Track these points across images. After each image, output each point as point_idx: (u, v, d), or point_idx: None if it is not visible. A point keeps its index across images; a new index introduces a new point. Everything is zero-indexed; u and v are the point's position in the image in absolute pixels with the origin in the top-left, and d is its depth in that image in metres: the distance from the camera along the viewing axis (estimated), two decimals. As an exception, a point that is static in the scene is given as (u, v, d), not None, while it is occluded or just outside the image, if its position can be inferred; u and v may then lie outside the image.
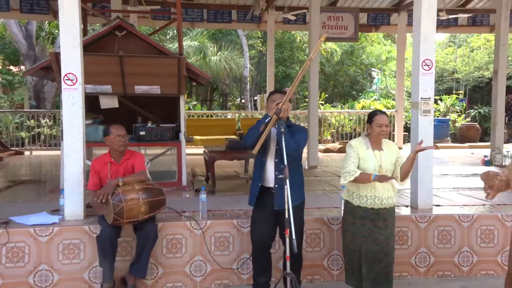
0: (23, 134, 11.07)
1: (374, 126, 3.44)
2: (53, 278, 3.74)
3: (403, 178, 3.50)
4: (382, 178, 3.30)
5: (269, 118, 3.31)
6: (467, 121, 14.32)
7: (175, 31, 16.87)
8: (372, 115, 3.48)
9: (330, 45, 19.18)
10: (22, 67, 16.28)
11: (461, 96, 16.61)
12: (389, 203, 3.45)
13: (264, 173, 3.46)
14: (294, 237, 2.96)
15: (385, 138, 3.51)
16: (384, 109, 13.97)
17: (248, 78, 18.47)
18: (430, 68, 4.47)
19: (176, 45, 14.83)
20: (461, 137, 13.11)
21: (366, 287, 3.44)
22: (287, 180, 3.11)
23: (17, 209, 4.37)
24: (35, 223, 3.81)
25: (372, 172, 3.36)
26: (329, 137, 12.30)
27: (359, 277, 3.49)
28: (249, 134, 3.38)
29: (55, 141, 10.53)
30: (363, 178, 3.34)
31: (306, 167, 7.71)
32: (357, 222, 3.47)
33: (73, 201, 3.98)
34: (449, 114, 14.58)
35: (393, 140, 11.78)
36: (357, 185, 3.45)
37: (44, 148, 10.82)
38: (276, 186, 3.38)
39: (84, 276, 3.79)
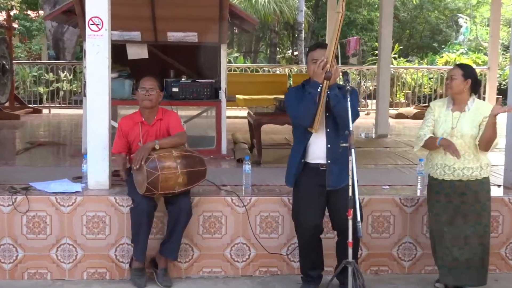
0: (41, 89, 11.54)
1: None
2: (76, 254, 3.92)
3: (483, 147, 3.45)
4: (449, 146, 3.33)
5: (320, 86, 3.24)
6: None
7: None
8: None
9: (408, -16, 18.37)
10: (41, 12, 16.77)
11: None
12: (465, 174, 3.48)
13: (308, 148, 3.42)
14: (358, 218, 2.97)
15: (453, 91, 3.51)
16: (473, 66, 13.33)
17: (303, 25, 18.09)
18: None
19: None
20: None
21: (457, 276, 3.50)
22: (352, 150, 3.08)
23: (37, 174, 4.59)
24: (56, 190, 3.98)
25: (441, 135, 3.47)
26: (402, 100, 11.96)
27: (454, 267, 3.51)
28: (303, 111, 3.30)
29: (75, 97, 10.87)
30: (430, 142, 3.49)
31: (374, 135, 7.59)
32: (441, 199, 3.57)
33: (97, 168, 4.09)
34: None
35: (484, 105, 11.24)
36: (430, 152, 3.62)
37: (63, 106, 11.28)
38: (329, 161, 3.36)
39: (110, 254, 3.95)
